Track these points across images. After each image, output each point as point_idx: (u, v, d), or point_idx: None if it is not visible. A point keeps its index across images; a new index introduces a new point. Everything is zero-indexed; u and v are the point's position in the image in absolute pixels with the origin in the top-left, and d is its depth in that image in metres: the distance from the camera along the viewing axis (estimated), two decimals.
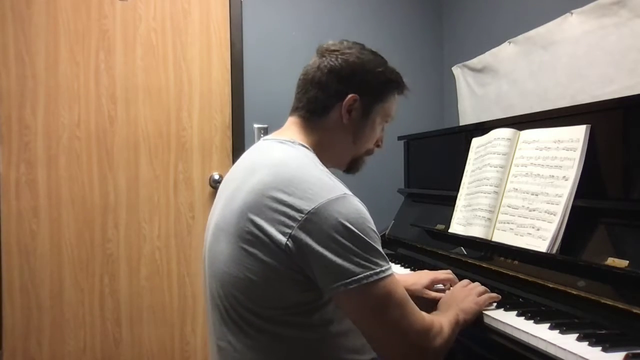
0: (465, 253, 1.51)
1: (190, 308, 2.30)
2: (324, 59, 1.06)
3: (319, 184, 0.91)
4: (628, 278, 0.98)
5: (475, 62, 2.34)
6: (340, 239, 0.87)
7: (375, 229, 0.92)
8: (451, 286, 1.36)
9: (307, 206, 0.88)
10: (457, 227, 1.56)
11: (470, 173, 1.58)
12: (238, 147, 2.35)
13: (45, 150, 2.13)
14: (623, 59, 1.55)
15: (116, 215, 2.21)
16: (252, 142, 2.35)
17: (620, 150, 1.15)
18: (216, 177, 2.30)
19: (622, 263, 1.01)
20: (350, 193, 0.93)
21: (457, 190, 1.62)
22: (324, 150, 1.05)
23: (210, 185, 2.30)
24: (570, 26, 1.76)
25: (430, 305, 1.26)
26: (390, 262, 0.92)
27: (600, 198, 1.17)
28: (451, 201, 1.63)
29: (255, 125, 2.38)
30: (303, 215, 0.87)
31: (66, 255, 2.15)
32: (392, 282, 0.90)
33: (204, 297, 1.10)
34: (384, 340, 0.91)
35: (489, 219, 1.40)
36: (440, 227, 1.68)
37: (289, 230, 0.88)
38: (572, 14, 1.75)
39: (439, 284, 1.35)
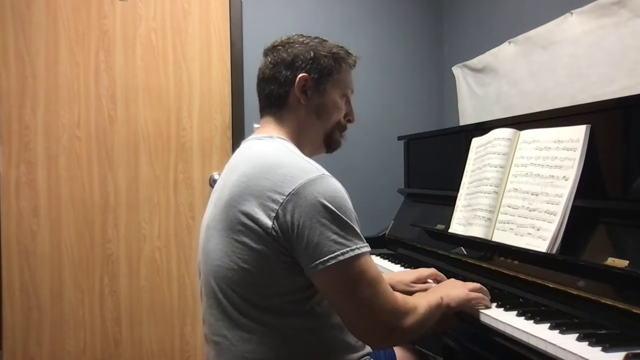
0: (465, 253, 1.51)
1: (190, 308, 2.30)
2: (268, 57, 1.13)
3: (296, 167, 0.96)
4: (628, 278, 0.98)
5: (475, 62, 2.34)
6: (319, 217, 0.90)
7: (352, 208, 0.95)
8: (439, 281, 1.39)
9: (288, 188, 0.92)
10: (457, 227, 1.56)
11: (470, 173, 1.58)
12: (238, 147, 2.34)
13: (45, 150, 2.13)
14: (623, 59, 1.55)
15: (116, 215, 2.21)
16: None
17: (620, 150, 1.15)
18: (216, 177, 2.30)
19: (622, 263, 1.01)
20: (328, 174, 0.96)
21: (457, 190, 1.62)
22: (299, 137, 1.10)
23: (210, 185, 2.30)
24: (570, 26, 1.76)
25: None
26: (366, 242, 0.95)
27: (600, 198, 1.17)
28: (451, 201, 1.63)
29: (255, 125, 2.38)
30: (285, 197, 0.91)
31: (66, 255, 2.15)
32: (366, 261, 0.93)
33: (199, 296, 1.12)
34: (354, 317, 0.94)
35: (489, 219, 1.40)
36: (440, 227, 1.68)
37: (273, 214, 0.92)
38: (572, 14, 1.75)
39: (423, 280, 1.38)
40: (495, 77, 2.19)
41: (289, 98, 1.10)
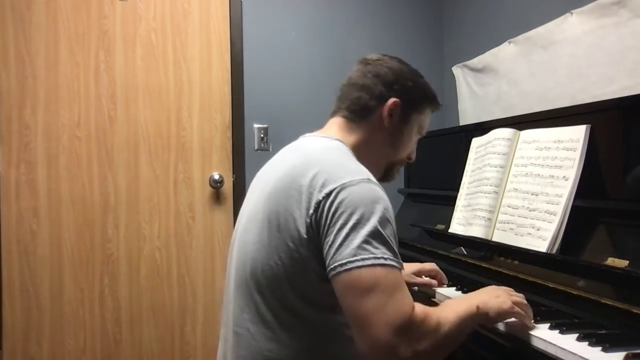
0: (465, 253, 1.51)
1: (190, 308, 2.30)
2: (368, 66, 1.12)
3: (343, 167, 0.95)
4: (628, 278, 0.98)
5: (475, 62, 2.34)
6: (352, 220, 0.88)
7: (390, 218, 0.91)
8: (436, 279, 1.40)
9: (330, 187, 0.90)
10: (457, 227, 1.56)
11: (470, 173, 1.58)
12: (238, 147, 2.35)
13: (45, 150, 2.13)
14: (623, 59, 1.55)
15: (116, 215, 2.21)
16: (252, 142, 2.40)
17: (620, 150, 1.15)
18: (216, 177, 2.30)
19: (622, 263, 1.01)
20: (375, 180, 0.95)
21: (457, 190, 1.62)
22: (361, 151, 1.07)
23: (210, 186, 2.30)
24: (570, 26, 1.76)
25: (419, 289, 1.37)
26: (398, 258, 0.89)
27: (600, 198, 1.17)
28: (451, 201, 1.63)
29: (255, 125, 2.38)
30: (325, 195, 0.90)
31: (66, 255, 2.15)
32: (388, 272, 0.86)
33: (225, 285, 1.11)
34: (356, 327, 0.86)
35: (489, 219, 1.40)
36: (440, 227, 1.68)
37: (312, 211, 0.91)
38: (572, 14, 1.75)
39: (424, 274, 1.40)
40: (495, 77, 2.19)
41: (374, 113, 1.08)
